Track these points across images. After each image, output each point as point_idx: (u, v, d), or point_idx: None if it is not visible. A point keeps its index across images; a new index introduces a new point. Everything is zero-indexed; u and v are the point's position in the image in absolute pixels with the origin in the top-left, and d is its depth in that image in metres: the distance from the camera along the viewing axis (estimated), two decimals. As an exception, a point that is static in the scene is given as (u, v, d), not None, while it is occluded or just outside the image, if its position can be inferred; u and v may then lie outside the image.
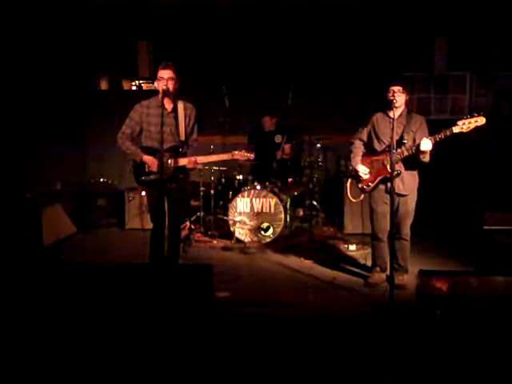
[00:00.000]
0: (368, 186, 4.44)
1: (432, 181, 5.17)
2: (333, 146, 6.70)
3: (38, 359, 3.14)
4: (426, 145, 4.02)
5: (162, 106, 3.99)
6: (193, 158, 4.21)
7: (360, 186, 4.52)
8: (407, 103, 4.35)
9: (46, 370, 3.02)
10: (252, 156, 4.37)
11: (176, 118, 4.22)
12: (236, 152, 4.33)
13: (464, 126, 3.93)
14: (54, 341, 3.37)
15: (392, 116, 4.01)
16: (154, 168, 4.15)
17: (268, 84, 7.24)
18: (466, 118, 3.96)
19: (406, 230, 4.42)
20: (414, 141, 4.20)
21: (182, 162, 4.21)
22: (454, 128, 3.95)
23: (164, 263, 4.18)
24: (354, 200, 4.74)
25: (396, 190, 4.13)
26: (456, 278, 3.15)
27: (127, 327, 3.23)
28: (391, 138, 3.94)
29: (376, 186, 4.41)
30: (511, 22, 6.91)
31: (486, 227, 6.23)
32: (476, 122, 3.92)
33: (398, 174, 4.20)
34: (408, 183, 4.32)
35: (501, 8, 6.84)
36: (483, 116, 3.92)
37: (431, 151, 4.11)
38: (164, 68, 4.07)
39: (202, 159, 4.30)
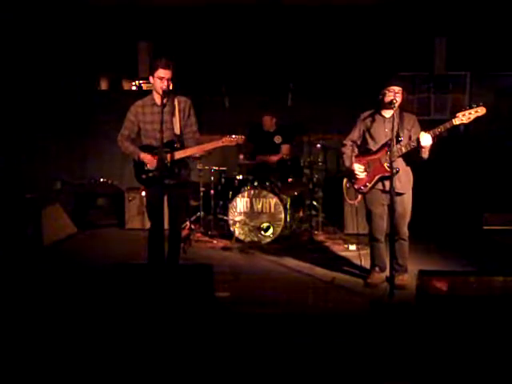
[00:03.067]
0: (365, 186, 4.38)
1: (432, 181, 5.18)
2: (333, 146, 6.69)
3: (38, 359, 3.14)
4: (426, 139, 3.96)
5: (163, 105, 4.00)
6: (188, 150, 4.23)
7: (356, 187, 4.43)
8: (401, 103, 4.31)
9: (45, 370, 3.02)
10: (242, 139, 4.36)
11: (170, 113, 4.21)
12: (225, 138, 4.33)
13: (464, 117, 3.84)
14: (54, 340, 3.37)
15: (387, 116, 4.01)
16: (153, 164, 4.17)
17: (268, 84, 7.24)
18: (466, 109, 3.85)
19: (404, 230, 4.40)
20: (410, 138, 4.18)
21: (178, 154, 4.22)
22: (454, 120, 3.87)
23: (164, 263, 4.19)
24: (350, 201, 4.64)
25: (393, 189, 4.11)
26: (456, 278, 3.15)
27: (127, 327, 3.23)
28: (391, 136, 3.93)
29: (373, 187, 4.36)
30: (511, 22, 6.92)
31: (485, 227, 6.25)
32: (476, 112, 3.82)
33: (397, 172, 4.13)
34: (404, 181, 4.29)
35: (501, 8, 6.84)
36: (484, 106, 3.82)
37: (431, 147, 4.06)
38: (165, 68, 4.06)
39: (191, 151, 4.27)
